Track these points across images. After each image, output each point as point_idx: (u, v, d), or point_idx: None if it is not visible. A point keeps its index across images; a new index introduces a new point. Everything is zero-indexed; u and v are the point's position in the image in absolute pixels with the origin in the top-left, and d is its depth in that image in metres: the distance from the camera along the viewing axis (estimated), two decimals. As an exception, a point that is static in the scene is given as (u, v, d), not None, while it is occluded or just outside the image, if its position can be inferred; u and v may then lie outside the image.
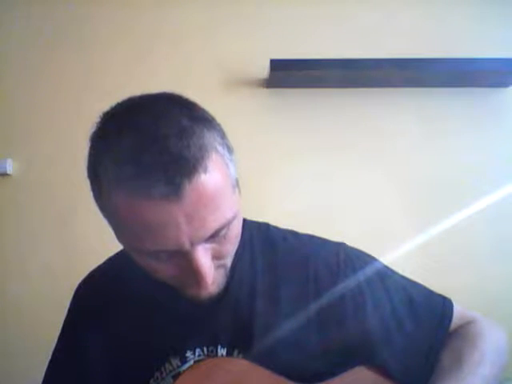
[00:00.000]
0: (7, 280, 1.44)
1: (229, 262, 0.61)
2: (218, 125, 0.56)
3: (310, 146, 1.44)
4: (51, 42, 1.47)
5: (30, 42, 1.48)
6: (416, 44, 1.44)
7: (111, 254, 0.76)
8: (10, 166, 1.44)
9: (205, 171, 0.50)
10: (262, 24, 1.46)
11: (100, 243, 1.37)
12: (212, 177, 0.50)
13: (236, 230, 0.58)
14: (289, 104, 1.45)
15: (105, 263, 0.76)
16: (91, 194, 0.56)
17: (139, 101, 0.56)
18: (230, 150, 0.56)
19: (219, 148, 0.53)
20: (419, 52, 1.41)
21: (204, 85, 1.44)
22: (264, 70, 1.38)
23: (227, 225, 0.54)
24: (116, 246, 0.76)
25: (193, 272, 0.53)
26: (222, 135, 0.56)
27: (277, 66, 1.33)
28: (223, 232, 0.54)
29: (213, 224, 0.52)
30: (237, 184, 0.59)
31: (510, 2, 1.46)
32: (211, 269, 0.55)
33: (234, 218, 0.55)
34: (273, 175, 1.41)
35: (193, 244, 0.52)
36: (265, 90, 1.45)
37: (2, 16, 1.48)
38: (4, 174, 1.44)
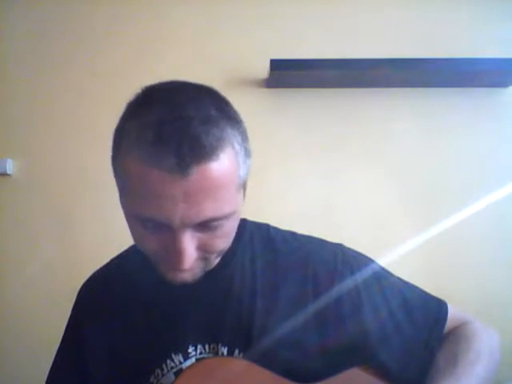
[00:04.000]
0: (7, 280, 1.44)
1: (213, 258, 0.61)
2: (244, 129, 0.59)
3: (310, 146, 1.44)
4: (51, 42, 1.48)
5: (30, 42, 1.48)
6: (416, 44, 1.44)
7: (111, 253, 0.77)
8: (10, 166, 1.44)
9: (215, 161, 0.52)
10: (262, 24, 1.46)
11: (100, 243, 1.38)
12: (221, 168, 0.52)
13: (229, 228, 0.59)
14: (289, 104, 1.45)
15: (107, 264, 0.77)
16: (111, 153, 0.58)
17: (181, 83, 0.59)
18: (247, 153, 0.58)
19: (236, 146, 0.55)
20: (419, 52, 1.41)
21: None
22: (264, 70, 1.38)
23: (222, 219, 0.55)
24: (116, 246, 0.77)
25: (174, 252, 0.55)
26: (244, 138, 0.58)
27: (277, 65, 1.33)
28: (215, 224, 0.55)
29: (207, 212, 0.53)
30: (244, 187, 0.60)
31: (510, 2, 1.46)
32: (192, 256, 0.55)
33: (230, 214, 0.56)
34: (273, 175, 1.41)
35: (183, 224, 0.53)
36: (265, 89, 1.45)
37: (2, 16, 1.48)
38: (4, 174, 1.44)
